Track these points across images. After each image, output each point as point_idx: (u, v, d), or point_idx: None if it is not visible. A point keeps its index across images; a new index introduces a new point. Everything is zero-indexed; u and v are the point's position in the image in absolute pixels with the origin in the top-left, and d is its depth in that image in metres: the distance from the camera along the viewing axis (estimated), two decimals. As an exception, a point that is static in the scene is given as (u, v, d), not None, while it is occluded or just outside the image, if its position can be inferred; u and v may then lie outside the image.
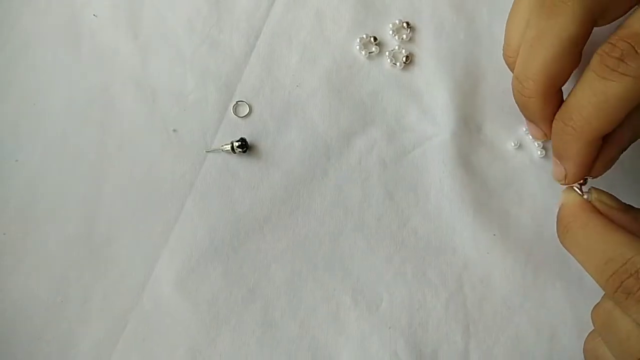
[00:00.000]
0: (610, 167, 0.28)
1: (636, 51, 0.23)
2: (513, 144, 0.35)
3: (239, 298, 0.32)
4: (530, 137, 0.34)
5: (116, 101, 0.34)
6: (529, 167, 0.35)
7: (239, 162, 0.34)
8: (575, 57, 0.26)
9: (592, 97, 0.24)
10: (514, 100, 0.29)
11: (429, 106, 0.35)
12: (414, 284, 0.32)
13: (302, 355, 0.31)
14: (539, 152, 0.35)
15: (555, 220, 0.28)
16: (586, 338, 0.28)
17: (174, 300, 0.31)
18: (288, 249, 0.33)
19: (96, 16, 0.36)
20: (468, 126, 0.35)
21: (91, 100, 0.34)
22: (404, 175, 0.34)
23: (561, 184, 0.28)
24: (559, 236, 0.27)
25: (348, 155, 0.34)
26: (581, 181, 0.28)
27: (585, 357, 0.28)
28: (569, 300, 0.32)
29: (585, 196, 0.27)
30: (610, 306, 0.25)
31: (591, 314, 0.26)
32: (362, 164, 0.34)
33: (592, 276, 0.25)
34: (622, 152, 0.28)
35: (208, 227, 0.32)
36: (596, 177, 0.29)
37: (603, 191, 0.27)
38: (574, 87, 0.25)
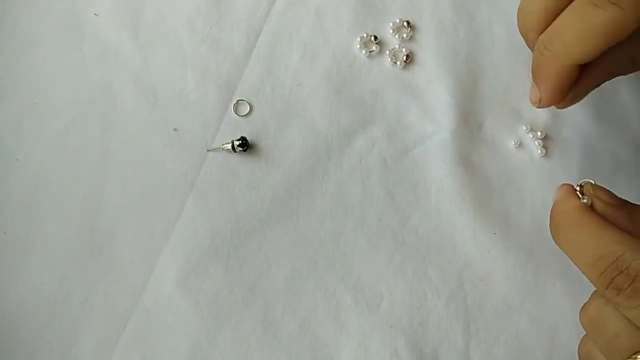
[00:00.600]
0: (580, 100, 0.29)
1: None
2: (513, 143, 0.35)
3: (239, 297, 0.32)
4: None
5: (117, 100, 0.34)
6: (529, 166, 0.35)
7: (239, 161, 0.34)
8: None
9: (577, 22, 0.24)
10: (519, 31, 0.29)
11: (429, 105, 0.35)
12: (414, 282, 0.32)
13: (303, 354, 0.31)
14: (539, 151, 0.35)
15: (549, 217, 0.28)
16: (581, 340, 0.28)
17: (175, 298, 0.31)
18: (289, 248, 0.33)
19: (97, 15, 0.36)
20: (468, 125, 0.35)
21: (92, 99, 0.34)
22: (404, 174, 0.34)
23: (535, 106, 0.29)
24: (551, 233, 0.27)
25: (348, 154, 0.34)
26: (582, 183, 0.28)
27: (580, 359, 0.28)
28: (569, 300, 0.32)
29: (584, 200, 0.27)
30: (600, 304, 0.25)
31: (580, 313, 0.27)
32: (362, 162, 0.34)
33: (584, 273, 0.25)
34: (595, 87, 0.28)
35: (209, 226, 0.33)
36: (564, 107, 0.29)
37: (598, 186, 0.27)
38: (562, 12, 0.25)
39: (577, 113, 0.35)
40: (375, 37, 0.36)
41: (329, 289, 0.32)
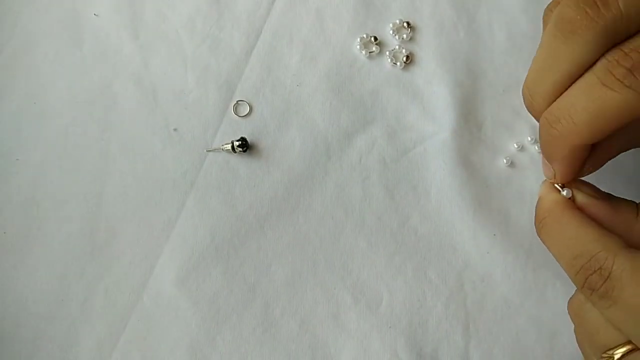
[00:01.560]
0: (599, 168, 0.28)
1: None
2: (515, 146, 0.35)
3: (239, 296, 0.32)
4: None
5: (117, 100, 0.34)
6: (529, 166, 0.35)
7: (239, 161, 0.34)
8: None
9: (589, 103, 0.22)
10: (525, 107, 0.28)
11: (429, 105, 0.35)
12: (414, 283, 0.32)
13: (302, 353, 0.31)
14: (536, 147, 0.35)
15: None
16: (570, 299, 0.28)
17: (174, 298, 0.31)
18: (288, 248, 0.33)
19: (97, 15, 0.36)
20: (468, 125, 0.35)
21: (92, 99, 0.34)
22: (404, 174, 0.34)
23: (552, 182, 0.28)
24: (536, 229, 0.27)
25: (348, 154, 0.34)
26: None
27: (570, 316, 0.28)
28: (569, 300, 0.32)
29: (564, 192, 0.27)
30: (582, 299, 0.25)
31: (567, 304, 0.27)
32: (362, 162, 0.34)
33: (564, 270, 0.25)
34: (609, 159, 0.28)
35: (209, 225, 0.33)
36: (584, 175, 0.28)
37: (582, 180, 0.27)
38: (570, 88, 0.24)
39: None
40: (375, 38, 0.36)
41: (328, 289, 0.32)
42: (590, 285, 0.23)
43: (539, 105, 0.25)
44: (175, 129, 0.34)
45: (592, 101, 0.22)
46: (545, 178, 0.28)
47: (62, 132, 0.34)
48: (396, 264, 0.33)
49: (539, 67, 0.25)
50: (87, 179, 0.33)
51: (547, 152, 0.26)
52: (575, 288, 0.26)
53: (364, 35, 0.36)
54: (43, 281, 0.31)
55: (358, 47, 0.36)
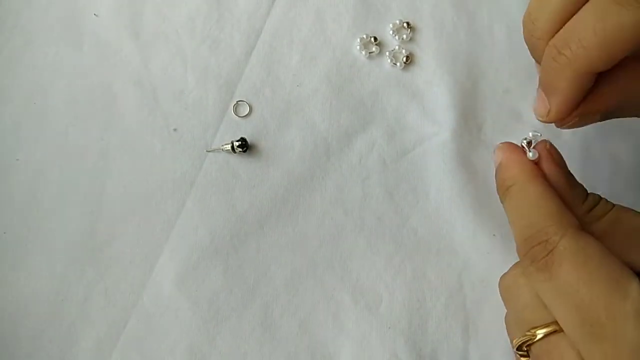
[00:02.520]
0: (583, 124, 0.26)
1: None
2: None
3: (239, 297, 0.32)
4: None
5: (117, 100, 0.34)
6: (529, 167, 0.35)
7: (239, 162, 0.34)
8: None
9: (598, 23, 0.21)
10: (524, 41, 0.26)
11: (429, 106, 0.35)
12: (413, 283, 0.32)
13: (302, 354, 0.31)
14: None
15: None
16: (503, 275, 0.28)
17: (174, 298, 0.31)
18: (288, 248, 0.33)
19: (97, 15, 0.36)
20: (468, 125, 0.35)
21: (92, 99, 0.34)
22: (404, 175, 0.34)
23: (541, 121, 0.26)
24: (499, 195, 0.27)
25: (348, 154, 0.34)
26: (529, 137, 0.27)
27: (500, 291, 0.28)
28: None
29: (530, 154, 0.26)
30: (517, 274, 0.25)
31: (499, 280, 0.27)
32: (362, 163, 0.34)
33: (514, 237, 0.25)
34: (602, 112, 0.26)
35: (208, 226, 0.33)
36: (567, 126, 0.27)
37: (552, 145, 0.27)
38: (579, 11, 0.22)
39: (577, 114, 0.35)
40: (375, 38, 0.36)
41: (328, 290, 0.32)
42: (533, 255, 0.23)
43: (542, 32, 0.24)
44: (175, 129, 0.34)
45: (604, 21, 0.21)
46: (536, 115, 0.26)
47: (62, 132, 0.34)
48: (396, 265, 0.33)
49: None
50: (87, 179, 0.33)
51: (548, 83, 0.25)
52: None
53: (364, 36, 0.36)
54: (43, 281, 0.31)
55: (358, 47, 0.36)
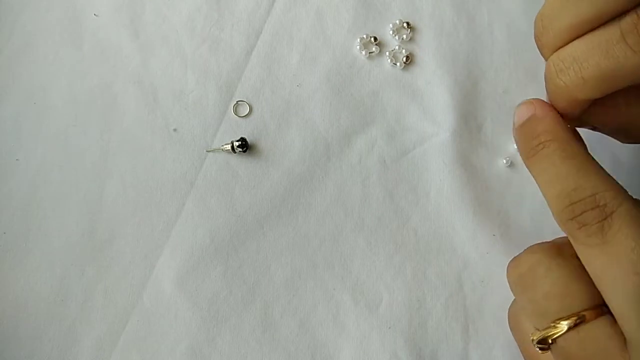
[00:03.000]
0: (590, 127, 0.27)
1: None
2: (515, 146, 0.35)
3: (239, 297, 0.32)
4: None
5: (117, 100, 0.34)
6: (529, 167, 0.35)
7: (239, 162, 0.34)
8: None
9: (603, 60, 0.21)
10: (534, 39, 0.26)
11: (429, 106, 0.35)
12: (413, 283, 0.32)
13: (302, 354, 0.31)
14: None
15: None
16: (511, 304, 0.27)
17: (174, 298, 0.31)
18: (288, 248, 0.33)
19: (97, 15, 0.36)
20: (468, 126, 0.35)
21: (92, 99, 0.34)
22: (404, 175, 0.34)
23: None
24: (526, 153, 0.25)
25: (348, 154, 0.34)
26: None
27: (509, 322, 0.28)
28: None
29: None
30: (535, 261, 0.24)
31: (508, 268, 0.25)
32: (362, 163, 0.34)
33: (549, 200, 0.23)
34: (596, 125, 0.26)
35: (208, 226, 0.33)
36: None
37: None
38: (587, 34, 0.22)
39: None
40: (375, 38, 0.36)
41: (328, 290, 0.32)
42: (584, 220, 0.21)
43: (549, 42, 0.24)
44: (175, 129, 0.34)
45: (607, 58, 0.21)
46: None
47: (62, 132, 0.34)
48: (396, 265, 0.33)
49: (561, 4, 0.23)
50: (87, 179, 0.33)
51: (550, 98, 0.25)
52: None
53: (364, 36, 0.36)
54: (43, 281, 0.31)
55: (358, 47, 0.36)
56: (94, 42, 0.35)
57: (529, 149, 0.24)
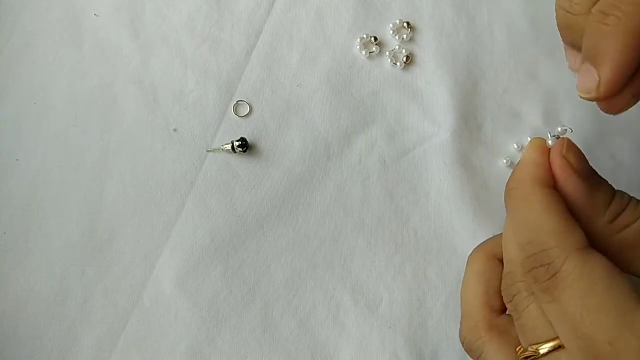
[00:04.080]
0: (635, 103, 0.24)
1: None
2: (515, 146, 0.35)
3: (239, 297, 0.32)
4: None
5: (117, 100, 0.34)
6: (529, 167, 0.35)
7: (239, 162, 0.34)
8: None
9: None
10: (556, 22, 0.24)
11: (429, 106, 0.35)
12: (413, 283, 0.32)
13: (302, 354, 0.31)
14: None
15: None
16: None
17: (174, 298, 0.31)
18: (288, 248, 0.33)
19: (97, 15, 0.36)
20: (468, 125, 0.35)
21: (92, 99, 0.34)
22: (404, 175, 0.34)
23: (588, 98, 0.23)
24: (504, 193, 0.25)
25: (348, 154, 0.34)
26: (557, 132, 0.25)
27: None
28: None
29: (549, 141, 0.24)
30: (521, 287, 0.24)
31: (502, 288, 0.25)
32: (362, 163, 0.34)
33: (509, 246, 0.24)
34: None
35: (208, 226, 0.33)
36: (620, 110, 0.24)
37: (574, 147, 0.24)
38: None
39: (577, 113, 0.35)
40: (375, 38, 0.36)
41: (328, 290, 0.32)
42: (536, 276, 0.22)
43: (582, 6, 0.22)
44: (175, 129, 0.34)
45: None
46: (582, 92, 0.23)
47: (62, 132, 0.34)
48: (396, 264, 0.33)
49: None
50: (87, 179, 0.33)
51: (595, 52, 0.22)
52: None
53: (364, 36, 0.36)
54: (43, 281, 0.31)
55: (358, 47, 0.36)
56: (94, 42, 0.35)
57: (504, 191, 0.25)
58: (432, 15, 0.37)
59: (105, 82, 0.35)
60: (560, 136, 0.25)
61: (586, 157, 0.35)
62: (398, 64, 0.36)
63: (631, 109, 0.36)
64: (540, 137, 0.25)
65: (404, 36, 0.36)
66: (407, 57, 0.36)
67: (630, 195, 0.32)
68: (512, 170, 0.34)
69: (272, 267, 0.32)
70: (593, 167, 0.35)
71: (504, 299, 0.25)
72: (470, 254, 0.28)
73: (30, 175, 0.33)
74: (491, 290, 0.26)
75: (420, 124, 0.35)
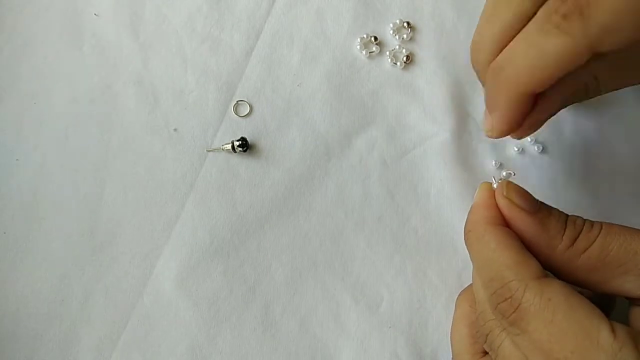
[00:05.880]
0: (536, 129, 0.28)
1: (582, 13, 0.21)
2: (515, 148, 0.35)
3: (239, 296, 0.32)
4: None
5: (117, 100, 0.34)
6: (529, 166, 0.35)
7: (239, 162, 0.34)
8: None
9: (528, 49, 0.23)
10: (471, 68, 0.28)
11: (429, 105, 0.35)
12: (414, 283, 0.32)
13: (302, 354, 0.31)
14: (536, 148, 0.35)
15: None
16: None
17: (174, 298, 0.31)
18: (288, 248, 0.33)
19: (97, 15, 0.36)
20: (468, 126, 0.35)
21: (92, 99, 0.34)
22: (404, 175, 0.34)
23: (488, 136, 0.27)
24: (463, 236, 0.27)
25: (348, 154, 0.34)
26: (503, 176, 0.28)
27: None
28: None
29: (495, 185, 0.26)
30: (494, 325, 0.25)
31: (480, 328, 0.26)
32: (362, 163, 0.34)
33: (478, 287, 0.25)
34: (551, 116, 0.28)
35: (209, 225, 0.33)
36: (520, 138, 0.29)
37: (515, 187, 0.26)
38: (514, 39, 0.24)
39: (577, 113, 0.35)
40: (376, 38, 0.36)
41: (328, 289, 0.32)
42: (501, 311, 0.23)
43: (484, 59, 0.26)
44: (175, 129, 0.34)
45: (531, 47, 0.23)
46: (483, 130, 0.27)
47: (62, 132, 0.34)
48: (396, 264, 0.33)
49: (483, 21, 0.26)
50: (87, 179, 0.33)
51: (490, 102, 0.26)
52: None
53: (364, 36, 0.36)
54: (43, 281, 0.31)
55: (358, 47, 0.36)
56: (94, 42, 0.35)
57: (464, 237, 0.27)
58: (432, 15, 0.37)
59: (105, 82, 0.35)
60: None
61: (586, 156, 0.35)
62: (398, 64, 0.36)
63: (631, 112, 0.37)
64: (487, 182, 0.27)
65: (404, 36, 0.36)
66: (408, 57, 0.36)
67: (630, 194, 0.32)
68: (513, 169, 0.34)
69: (273, 267, 0.32)
70: (593, 167, 0.35)
71: (479, 339, 0.26)
72: (457, 298, 0.30)
73: (30, 175, 0.33)
74: (476, 332, 0.27)
75: (421, 123, 0.35)
